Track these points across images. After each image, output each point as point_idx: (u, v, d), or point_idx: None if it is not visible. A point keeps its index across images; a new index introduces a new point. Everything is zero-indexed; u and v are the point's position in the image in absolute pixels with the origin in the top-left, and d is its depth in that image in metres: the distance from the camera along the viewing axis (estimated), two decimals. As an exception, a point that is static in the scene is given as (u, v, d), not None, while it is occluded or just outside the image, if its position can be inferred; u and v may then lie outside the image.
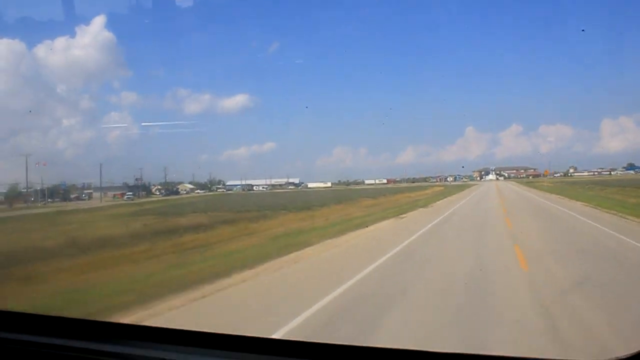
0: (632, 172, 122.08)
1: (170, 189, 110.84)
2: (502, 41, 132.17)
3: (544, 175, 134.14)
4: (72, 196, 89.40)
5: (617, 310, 6.55)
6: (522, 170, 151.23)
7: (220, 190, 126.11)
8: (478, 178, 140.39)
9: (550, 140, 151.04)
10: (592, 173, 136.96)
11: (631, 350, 1.78)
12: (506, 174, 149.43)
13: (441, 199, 41.80)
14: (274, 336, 5.69)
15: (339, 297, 7.75)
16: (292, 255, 12.98)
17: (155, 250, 17.52)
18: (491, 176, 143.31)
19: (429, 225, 19.38)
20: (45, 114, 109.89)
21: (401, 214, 26.46)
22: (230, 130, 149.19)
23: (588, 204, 29.32)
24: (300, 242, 15.42)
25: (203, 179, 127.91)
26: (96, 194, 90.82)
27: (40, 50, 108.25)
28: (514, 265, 10.05)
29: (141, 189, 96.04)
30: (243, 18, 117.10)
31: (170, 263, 13.46)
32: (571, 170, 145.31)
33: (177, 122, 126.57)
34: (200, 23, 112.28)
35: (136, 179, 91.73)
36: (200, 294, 8.66)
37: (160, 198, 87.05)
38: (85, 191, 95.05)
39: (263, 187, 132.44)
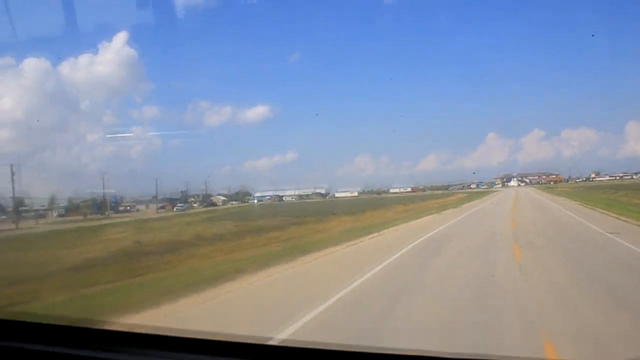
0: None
1: (206, 200, 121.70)
2: (523, 45, 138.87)
3: (559, 181, 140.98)
4: (121, 208, 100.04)
5: (549, 238, 17.53)
6: (545, 176, 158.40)
7: (251, 201, 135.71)
8: (500, 185, 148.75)
9: (574, 145, 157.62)
10: (613, 177, 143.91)
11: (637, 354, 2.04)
12: (528, 180, 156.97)
13: (467, 203, 52.73)
14: (419, 240, 16.81)
15: (431, 235, 18.93)
16: (385, 230, 24.01)
17: (262, 241, 26.25)
18: (513, 182, 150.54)
19: (462, 216, 30.57)
20: (69, 130, 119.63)
21: (439, 212, 37.51)
22: (251, 141, 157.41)
23: (582, 203, 39.88)
24: (379, 226, 26.27)
25: (230, 190, 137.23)
26: (139, 206, 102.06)
27: (65, 67, 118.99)
28: (509, 226, 21.20)
29: (183, 200, 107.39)
30: (263, 30, 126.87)
31: (285, 245, 21.13)
32: (592, 175, 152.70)
33: (196, 132, 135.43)
34: (221, 37, 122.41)
35: (182, 192, 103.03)
36: (342, 247, 18.33)
37: (205, 209, 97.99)
38: (125, 204, 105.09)
39: (292, 198, 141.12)
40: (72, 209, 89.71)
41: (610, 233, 17.16)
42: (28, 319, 2.91)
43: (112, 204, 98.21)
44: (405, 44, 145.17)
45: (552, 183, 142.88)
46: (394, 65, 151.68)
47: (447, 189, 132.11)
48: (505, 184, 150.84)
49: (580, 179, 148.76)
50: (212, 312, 8.72)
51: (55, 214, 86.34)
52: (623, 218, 23.36)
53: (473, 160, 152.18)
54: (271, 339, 5.82)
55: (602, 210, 29.81)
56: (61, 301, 10.85)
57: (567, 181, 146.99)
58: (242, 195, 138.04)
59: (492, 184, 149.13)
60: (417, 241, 17.55)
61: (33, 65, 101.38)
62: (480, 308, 7.48)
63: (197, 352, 2.26)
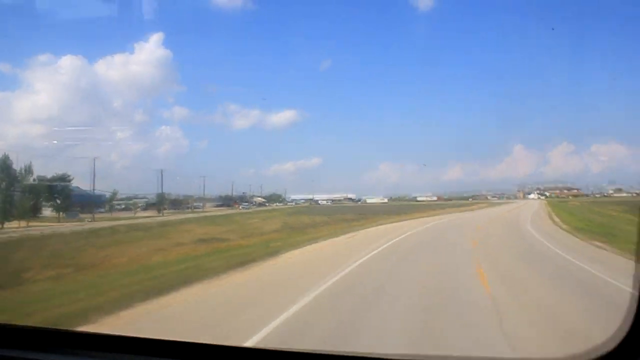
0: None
1: (251, 201, 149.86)
2: (554, 57, 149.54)
3: (577, 196, 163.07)
4: (188, 206, 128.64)
5: (504, 221, 46.93)
6: (566, 190, 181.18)
7: (289, 203, 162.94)
8: (521, 197, 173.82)
9: (603, 160, 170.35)
10: (630, 194, 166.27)
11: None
12: (548, 194, 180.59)
13: (484, 209, 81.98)
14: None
15: (455, 217, 48.41)
16: (441, 215, 53.38)
17: (356, 224, 56.83)
18: (533, 195, 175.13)
19: (474, 214, 60.07)
20: (101, 127, 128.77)
21: (461, 212, 66.89)
22: (277, 146, 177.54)
23: (554, 211, 68.38)
24: (436, 214, 55.62)
25: (262, 193, 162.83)
26: (197, 204, 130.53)
27: (101, 66, 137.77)
28: (491, 217, 50.77)
29: (242, 200, 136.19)
30: (295, 36, 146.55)
31: (375, 223, 52.38)
32: (610, 191, 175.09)
33: (224, 134, 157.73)
34: (253, 40, 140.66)
35: (243, 192, 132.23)
36: (408, 219, 48.52)
37: (261, 208, 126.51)
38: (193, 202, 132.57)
39: (326, 202, 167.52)
40: (150, 205, 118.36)
41: (530, 224, 45.98)
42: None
43: (180, 202, 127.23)
44: (435, 55, 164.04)
45: (570, 197, 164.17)
46: (422, 76, 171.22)
47: (468, 200, 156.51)
48: (526, 196, 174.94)
49: (600, 195, 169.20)
50: (361, 238, 33.98)
51: (139, 208, 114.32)
52: (559, 222, 51.91)
53: (498, 172, 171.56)
54: (246, 342, 7.14)
55: (555, 217, 58.35)
56: (302, 238, 34.79)
57: (587, 196, 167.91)
58: (275, 198, 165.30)
59: (515, 196, 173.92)
60: (451, 218, 47.03)
61: (70, 63, 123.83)
62: (469, 219, 37.09)
63: (169, 356, 2.42)
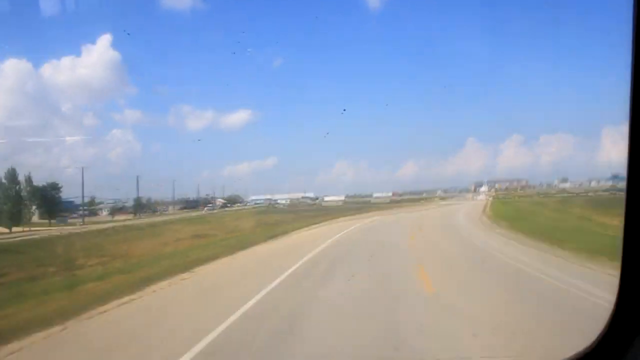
0: (610, 183, 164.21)
1: (213, 203, 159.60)
2: (502, 49, 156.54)
3: (525, 188, 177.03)
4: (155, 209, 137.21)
5: (444, 211, 60.06)
6: (515, 183, 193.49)
7: (249, 204, 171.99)
8: (473, 190, 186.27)
9: (552, 151, 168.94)
10: (574, 184, 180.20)
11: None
12: (498, 186, 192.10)
13: (430, 204, 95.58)
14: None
15: (405, 215, 61.29)
16: (404, 209, 66.12)
17: (320, 220, 69.37)
18: (484, 188, 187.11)
19: (424, 209, 73.33)
20: (49, 132, 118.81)
21: (415, 207, 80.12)
22: (233, 146, 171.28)
23: (490, 206, 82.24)
24: (399, 210, 68.31)
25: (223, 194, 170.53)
26: (160, 208, 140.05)
27: (47, 69, 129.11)
28: (436, 210, 64.16)
29: (205, 203, 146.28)
30: (247, 34, 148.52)
31: (339, 218, 64.93)
32: (556, 182, 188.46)
33: (178, 136, 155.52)
34: (204, 40, 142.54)
35: (207, 195, 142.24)
36: (370, 215, 61.19)
37: (225, 210, 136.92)
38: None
39: (285, 202, 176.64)
40: (117, 209, 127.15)
41: (463, 215, 59.14)
42: None
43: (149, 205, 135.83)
44: (387, 52, 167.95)
45: (518, 190, 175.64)
46: (374, 74, 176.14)
47: (421, 195, 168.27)
48: (477, 189, 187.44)
49: (547, 186, 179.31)
50: (336, 226, 49.80)
51: (105, 213, 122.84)
52: (488, 211, 65.15)
53: (453, 167, 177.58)
54: None
55: (488, 207, 71.77)
56: (289, 228, 49.38)
57: (535, 187, 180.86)
58: (235, 200, 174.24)
59: (467, 190, 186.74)
60: (405, 212, 59.80)
61: (14, 66, 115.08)
62: (417, 213, 49.86)
63: None
